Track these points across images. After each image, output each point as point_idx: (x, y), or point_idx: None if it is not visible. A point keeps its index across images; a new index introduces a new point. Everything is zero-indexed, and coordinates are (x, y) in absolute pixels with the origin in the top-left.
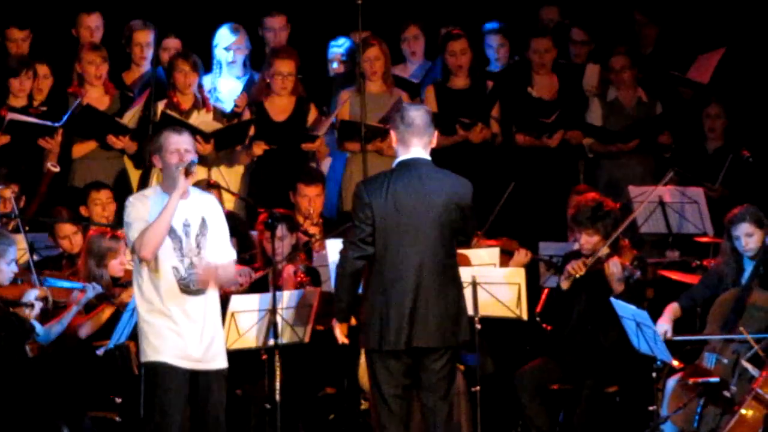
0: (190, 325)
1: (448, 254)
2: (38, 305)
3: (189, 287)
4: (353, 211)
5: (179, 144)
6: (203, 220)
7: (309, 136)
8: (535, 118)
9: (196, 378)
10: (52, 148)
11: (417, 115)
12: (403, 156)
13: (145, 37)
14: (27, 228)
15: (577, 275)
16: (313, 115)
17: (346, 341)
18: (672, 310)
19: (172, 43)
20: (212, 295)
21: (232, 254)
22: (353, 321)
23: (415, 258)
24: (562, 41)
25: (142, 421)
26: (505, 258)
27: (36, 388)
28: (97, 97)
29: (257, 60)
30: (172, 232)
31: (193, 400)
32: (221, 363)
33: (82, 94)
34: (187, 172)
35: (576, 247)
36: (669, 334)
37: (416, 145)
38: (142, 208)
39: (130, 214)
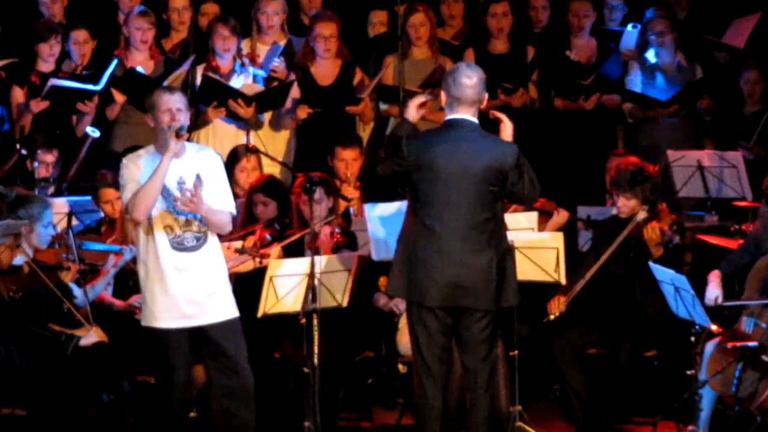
0: (182, 281)
1: (487, 217)
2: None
3: (183, 244)
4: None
5: (170, 103)
6: (198, 177)
7: (354, 99)
8: (573, 81)
9: (204, 333)
10: (89, 112)
11: (468, 77)
12: (450, 116)
13: (181, 2)
14: (66, 193)
15: (552, 317)
16: (358, 78)
17: None
18: (717, 276)
19: (211, 8)
20: (210, 250)
21: (229, 207)
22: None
23: (452, 218)
24: (598, 6)
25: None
26: (544, 218)
27: (76, 357)
28: (141, 61)
29: (294, 25)
30: (165, 191)
31: (210, 354)
32: (228, 313)
33: (126, 58)
34: (178, 135)
35: (614, 211)
36: (720, 300)
37: (463, 106)
38: (134, 169)
39: (123, 176)
